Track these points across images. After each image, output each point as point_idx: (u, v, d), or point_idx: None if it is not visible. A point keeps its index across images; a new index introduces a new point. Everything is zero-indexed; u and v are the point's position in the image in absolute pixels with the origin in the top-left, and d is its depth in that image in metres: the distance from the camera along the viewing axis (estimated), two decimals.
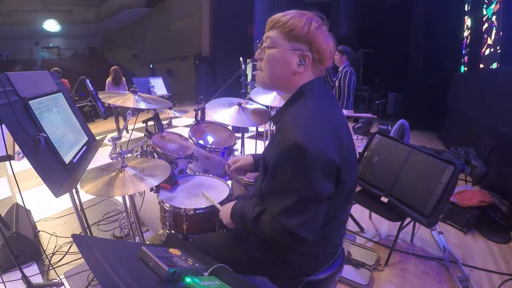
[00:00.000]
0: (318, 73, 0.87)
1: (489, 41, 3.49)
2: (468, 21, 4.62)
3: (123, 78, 5.13)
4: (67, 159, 1.12)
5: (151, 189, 1.46)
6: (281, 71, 0.85)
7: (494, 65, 3.24)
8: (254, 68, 6.78)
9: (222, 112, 1.91)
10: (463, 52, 4.78)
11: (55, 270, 1.64)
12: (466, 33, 4.70)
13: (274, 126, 0.94)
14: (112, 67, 5.02)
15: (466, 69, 4.63)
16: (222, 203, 1.36)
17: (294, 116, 0.79)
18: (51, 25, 11.59)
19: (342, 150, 0.78)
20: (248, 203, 0.93)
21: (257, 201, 0.91)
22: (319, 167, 0.72)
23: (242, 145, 2.49)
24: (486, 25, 3.66)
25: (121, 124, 4.99)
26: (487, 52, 3.57)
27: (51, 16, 11.42)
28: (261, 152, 1.08)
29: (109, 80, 4.99)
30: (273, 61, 0.85)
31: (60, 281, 1.56)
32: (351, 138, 0.88)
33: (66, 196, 1.13)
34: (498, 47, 3.16)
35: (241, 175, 1.26)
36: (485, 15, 3.70)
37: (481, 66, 3.76)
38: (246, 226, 0.89)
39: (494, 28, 3.32)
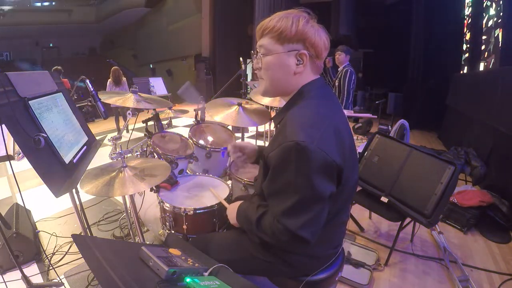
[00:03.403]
0: (316, 70, 0.87)
1: (491, 11, 3.48)
2: None
3: (124, 78, 5.11)
4: (67, 159, 1.12)
5: (151, 189, 1.46)
6: (281, 75, 0.84)
7: (497, 32, 3.23)
8: None
9: (222, 112, 1.91)
10: (465, 30, 4.77)
11: (55, 270, 1.64)
12: (467, 11, 4.69)
13: (275, 127, 0.93)
14: (112, 68, 5.00)
15: (468, 46, 4.60)
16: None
17: (296, 117, 0.79)
18: None
19: (343, 151, 0.77)
20: (251, 205, 0.93)
21: (259, 202, 0.91)
22: (321, 167, 0.72)
23: None
24: None
25: (121, 124, 4.98)
26: (490, 23, 3.56)
27: (51, 16, 11.43)
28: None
29: (110, 80, 4.99)
30: (272, 67, 0.84)
31: (60, 281, 1.55)
32: (352, 139, 0.87)
33: (66, 196, 1.13)
34: (501, 13, 3.16)
35: (241, 161, 1.19)
36: None
37: (484, 37, 3.76)
38: (251, 228, 0.89)
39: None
